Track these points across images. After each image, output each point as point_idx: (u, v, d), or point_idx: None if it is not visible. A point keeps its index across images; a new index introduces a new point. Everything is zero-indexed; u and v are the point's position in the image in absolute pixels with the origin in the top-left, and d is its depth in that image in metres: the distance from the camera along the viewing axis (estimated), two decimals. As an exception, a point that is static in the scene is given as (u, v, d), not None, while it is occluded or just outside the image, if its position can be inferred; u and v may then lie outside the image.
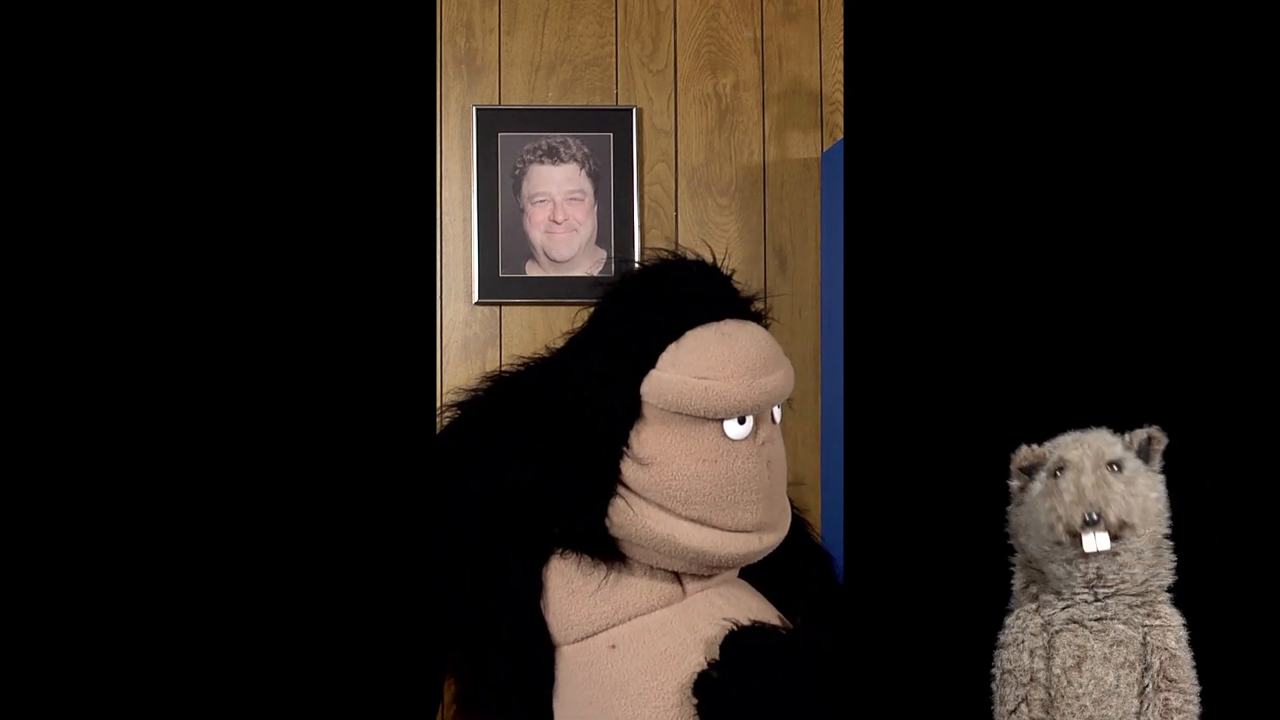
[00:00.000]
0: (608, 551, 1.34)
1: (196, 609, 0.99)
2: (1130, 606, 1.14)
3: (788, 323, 1.81)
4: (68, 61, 0.99)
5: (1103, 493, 1.11)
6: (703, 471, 1.30)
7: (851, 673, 1.22)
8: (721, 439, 1.30)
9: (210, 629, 0.99)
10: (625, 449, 1.31)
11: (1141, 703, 1.12)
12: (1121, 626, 1.13)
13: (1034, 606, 1.16)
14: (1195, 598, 1.16)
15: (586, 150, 1.80)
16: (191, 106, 1.01)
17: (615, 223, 1.81)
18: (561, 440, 1.32)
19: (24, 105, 0.98)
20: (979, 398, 1.25)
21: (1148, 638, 1.13)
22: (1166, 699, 1.11)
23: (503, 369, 1.47)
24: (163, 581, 0.99)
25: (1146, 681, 1.12)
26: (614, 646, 1.32)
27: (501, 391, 1.42)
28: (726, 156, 1.84)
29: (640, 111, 1.82)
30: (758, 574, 1.44)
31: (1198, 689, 1.13)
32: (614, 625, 1.34)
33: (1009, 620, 1.17)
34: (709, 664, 1.26)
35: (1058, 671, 1.13)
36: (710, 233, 1.83)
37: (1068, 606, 1.14)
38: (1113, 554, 1.12)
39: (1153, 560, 1.14)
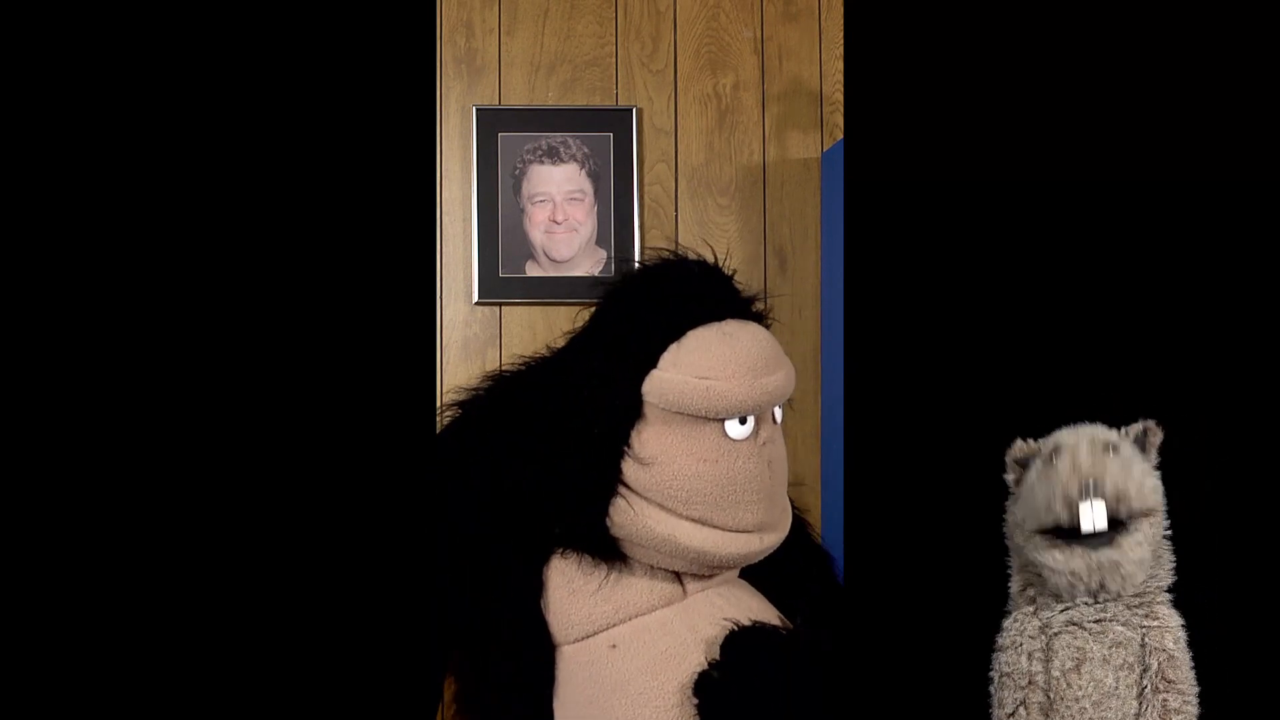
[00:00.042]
0: (608, 551, 1.34)
1: (197, 609, 0.99)
2: (1129, 608, 1.13)
3: (788, 323, 1.81)
4: (68, 61, 0.99)
5: (1100, 469, 1.10)
6: (704, 471, 1.30)
7: (851, 673, 1.22)
8: (723, 439, 1.30)
9: (211, 628, 1.00)
10: (626, 449, 1.31)
11: (1140, 704, 1.12)
12: (1120, 628, 1.13)
13: (1032, 609, 1.16)
14: (1194, 598, 1.16)
15: (586, 150, 1.80)
16: (192, 106, 1.02)
17: (615, 223, 1.81)
18: (562, 440, 1.33)
19: (24, 105, 0.98)
20: (979, 398, 1.25)
21: (1146, 639, 1.13)
22: (1165, 700, 1.11)
23: (503, 368, 1.47)
24: (163, 581, 0.99)
25: (1145, 683, 1.12)
26: (614, 646, 1.32)
27: (502, 391, 1.43)
28: (726, 156, 1.84)
29: (640, 111, 1.82)
30: (758, 574, 1.44)
31: (1196, 690, 1.13)
32: (614, 625, 1.34)
33: (1007, 623, 1.17)
34: (709, 664, 1.26)
35: (1056, 674, 1.13)
36: (710, 233, 1.83)
37: (1066, 609, 1.14)
38: (1109, 547, 1.11)
39: (1151, 561, 1.14)
